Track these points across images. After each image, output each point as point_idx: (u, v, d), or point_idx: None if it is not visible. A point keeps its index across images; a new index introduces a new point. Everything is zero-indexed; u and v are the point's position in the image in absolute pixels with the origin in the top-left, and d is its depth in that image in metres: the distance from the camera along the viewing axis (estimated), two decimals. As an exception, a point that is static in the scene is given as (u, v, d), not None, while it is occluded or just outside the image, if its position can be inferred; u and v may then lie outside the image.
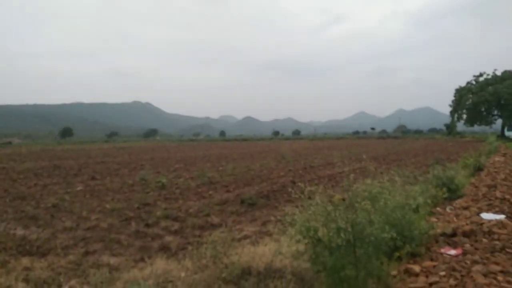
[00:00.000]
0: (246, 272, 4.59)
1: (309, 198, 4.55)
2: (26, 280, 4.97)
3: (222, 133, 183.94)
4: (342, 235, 3.90)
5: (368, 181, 5.10)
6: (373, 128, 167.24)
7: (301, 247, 4.31)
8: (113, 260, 6.07)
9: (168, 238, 7.39)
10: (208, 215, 9.34)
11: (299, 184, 4.75)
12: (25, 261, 5.93)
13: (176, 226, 8.33)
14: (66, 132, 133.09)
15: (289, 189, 12.64)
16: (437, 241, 5.56)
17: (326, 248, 4.06)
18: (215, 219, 8.89)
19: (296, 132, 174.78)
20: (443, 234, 5.80)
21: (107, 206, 10.56)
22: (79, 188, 14.08)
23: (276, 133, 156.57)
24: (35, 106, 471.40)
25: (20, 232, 8.02)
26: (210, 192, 12.78)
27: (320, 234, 4.04)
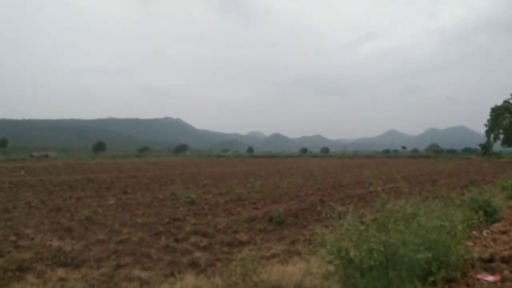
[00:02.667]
0: (276, 291, 4.56)
1: (340, 217, 4.50)
2: (62, 291, 5.12)
3: (250, 150, 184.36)
4: (374, 255, 3.83)
5: (401, 201, 4.99)
6: (404, 147, 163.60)
7: (331, 267, 4.25)
8: (143, 274, 6.16)
9: (197, 254, 7.44)
10: (236, 231, 9.36)
11: (329, 203, 4.70)
12: (60, 272, 6.12)
13: (205, 242, 8.38)
14: (100, 146, 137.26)
15: (318, 208, 12.56)
16: (473, 267, 5.34)
17: (357, 269, 3.99)
18: (244, 236, 8.88)
19: (325, 150, 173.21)
20: (480, 259, 5.57)
21: (138, 220, 10.77)
22: (111, 202, 14.44)
23: (304, 150, 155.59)
24: (71, 120, 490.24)
25: (55, 243, 8.29)
26: (238, 209, 12.82)
27: (351, 254, 3.97)
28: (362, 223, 4.67)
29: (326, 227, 9.54)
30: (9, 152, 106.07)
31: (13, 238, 8.66)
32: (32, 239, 8.71)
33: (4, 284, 5.66)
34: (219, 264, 6.42)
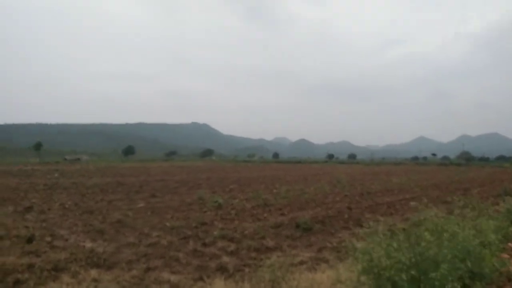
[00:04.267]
0: (305, 299, 4.56)
1: (369, 227, 4.46)
2: (96, 291, 5.29)
3: (276, 155, 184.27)
4: (405, 269, 3.78)
5: (433, 211, 4.90)
6: (434, 154, 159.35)
7: (362, 277, 4.21)
8: (173, 278, 6.28)
9: (225, 259, 7.51)
10: (263, 237, 9.38)
11: (356, 210, 4.69)
12: (93, 273, 6.32)
13: (232, 247, 8.46)
14: (129, 150, 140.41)
15: (345, 216, 12.43)
16: (509, 280, 5.17)
17: (389, 281, 3.94)
18: (270, 242, 8.90)
19: (352, 156, 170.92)
20: (517, 273, 5.38)
21: (167, 224, 10.97)
22: (141, 205, 14.78)
23: (331, 156, 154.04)
24: (101, 125, 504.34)
25: (88, 244, 8.55)
26: (265, 215, 12.84)
27: (383, 265, 3.93)
28: (392, 232, 4.62)
29: (354, 235, 9.46)
30: (43, 155, 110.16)
31: (48, 238, 9.01)
32: (67, 240, 9.02)
33: (41, 283, 5.89)
34: (247, 270, 6.46)
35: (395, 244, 3.91)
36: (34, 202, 15.19)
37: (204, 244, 8.71)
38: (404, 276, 3.70)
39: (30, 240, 8.73)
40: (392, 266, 3.91)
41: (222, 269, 6.73)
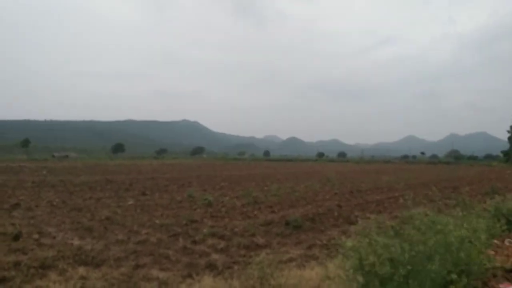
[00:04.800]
0: (293, 295, 4.56)
1: (359, 225, 4.47)
2: (83, 289, 5.23)
3: (267, 153, 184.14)
4: (395, 265, 3.79)
5: (421, 209, 4.93)
6: (423, 153, 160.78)
7: (350, 274, 4.21)
8: (161, 275, 6.23)
9: (215, 256, 7.49)
10: (253, 235, 9.38)
11: (346, 208, 4.70)
12: (81, 270, 6.26)
13: (222, 244, 8.43)
14: (118, 148, 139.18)
15: (335, 213, 12.48)
16: (495, 276, 5.23)
17: (377, 277, 3.95)
18: (260, 240, 8.91)
19: (342, 154, 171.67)
20: (502, 269, 5.45)
21: (157, 221, 10.90)
22: (130, 203, 14.66)
23: (321, 154, 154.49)
24: (91, 122, 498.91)
25: (76, 242, 8.47)
26: (255, 212, 12.84)
27: (371, 262, 3.93)
28: (382, 229, 4.64)
29: (344, 232, 9.50)
30: (31, 152, 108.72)
31: (36, 236, 8.90)
32: (54, 237, 8.92)
33: (28, 281, 5.81)
34: (236, 267, 6.45)
35: (384, 241, 3.92)
36: (22, 199, 14.99)
37: (194, 242, 8.68)
38: (392, 272, 3.71)
39: (16, 237, 8.61)
40: (381, 262, 3.92)
41: (211, 267, 6.71)
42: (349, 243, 4.10)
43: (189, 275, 6.13)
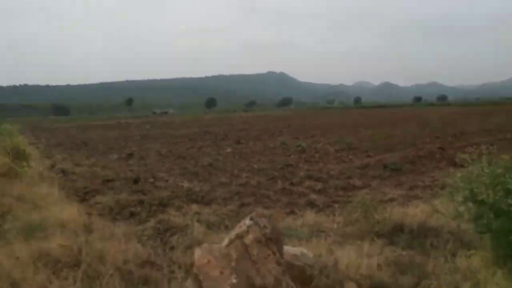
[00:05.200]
0: (398, 228, 4.58)
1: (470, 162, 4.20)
2: (199, 221, 5.82)
3: (358, 100, 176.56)
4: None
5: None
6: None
7: (461, 208, 4.05)
8: (266, 212, 6.64)
9: (313, 196, 7.70)
10: (350, 177, 9.41)
11: (449, 151, 4.43)
12: (194, 207, 6.94)
13: (319, 186, 8.63)
14: (211, 102, 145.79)
15: (437, 156, 11.82)
16: None
17: (491, 209, 3.75)
18: (357, 182, 8.91)
19: (442, 98, 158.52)
20: None
21: (254, 166, 11.46)
22: (228, 150, 15.53)
23: (418, 99, 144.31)
24: (183, 79, 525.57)
25: (186, 184, 9.31)
26: (350, 157, 12.75)
27: (483, 191, 3.71)
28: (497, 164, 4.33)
29: (448, 174, 9.00)
30: (134, 109, 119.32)
31: (151, 180, 9.98)
32: (166, 181, 9.92)
33: (151, 215, 6.63)
34: (336, 205, 6.59)
35: (499, 170, 3.66)
36: (134, 150, 16.75)
37: (292, 184, 9.00)
38: (510, 204, 3.48)
39: (136, 181, 9.76)
40: (495, 196, 3.69)
41: (311, 205, 6.96)
42: (459, 174, 3.91)
43: (292, 212, 6.45)
